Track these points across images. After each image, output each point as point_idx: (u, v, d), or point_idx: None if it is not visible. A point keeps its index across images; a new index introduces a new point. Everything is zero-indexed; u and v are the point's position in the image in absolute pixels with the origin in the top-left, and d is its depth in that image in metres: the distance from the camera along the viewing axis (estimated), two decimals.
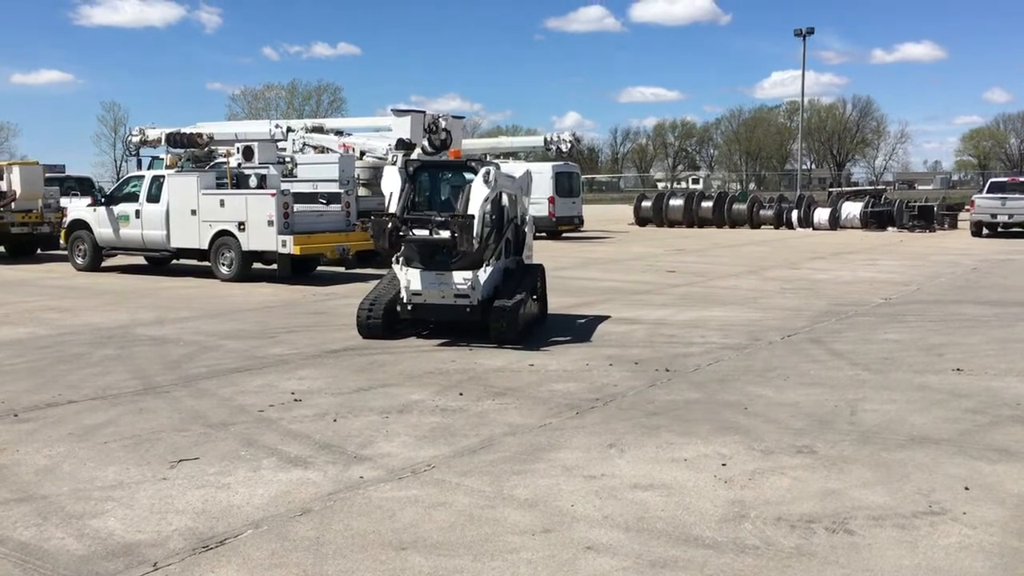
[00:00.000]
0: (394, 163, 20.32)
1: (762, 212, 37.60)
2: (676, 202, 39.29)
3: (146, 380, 8.65)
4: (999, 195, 30.20)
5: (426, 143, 21.73)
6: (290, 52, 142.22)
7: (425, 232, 10.15)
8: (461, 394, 7.98)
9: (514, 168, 12.71)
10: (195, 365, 9.35)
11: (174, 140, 25.72)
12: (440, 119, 22.68)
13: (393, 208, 10.47)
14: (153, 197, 18.31)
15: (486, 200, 10.23)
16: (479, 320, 10.37)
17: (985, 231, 30.33)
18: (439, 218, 10.15)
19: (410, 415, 7.29)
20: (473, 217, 9.94)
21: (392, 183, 10.68)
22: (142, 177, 19.26)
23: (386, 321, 10.62)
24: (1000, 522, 4.97)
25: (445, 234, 10.00)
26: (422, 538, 4.78)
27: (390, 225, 10.03)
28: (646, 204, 40.14)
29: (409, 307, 10.57)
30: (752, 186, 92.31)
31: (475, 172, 10.81)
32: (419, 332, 10.97)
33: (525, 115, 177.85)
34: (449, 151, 20.84)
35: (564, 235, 31.16)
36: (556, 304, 12.99)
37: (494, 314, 10.22)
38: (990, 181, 33.73)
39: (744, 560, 4.48)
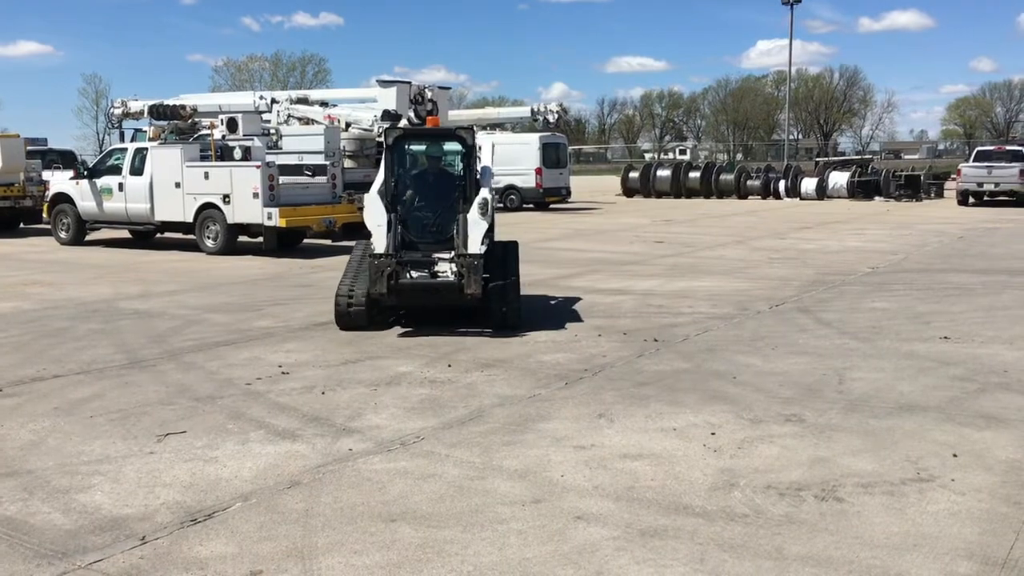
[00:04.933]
0: (379, 136, 20.25)
1: (749, 182, 37.57)
2: (663, 173, 39.21)
3: (132, 354, 8.59)
4: (985, 164, 30.29)
5: (412, 114, 21.63)
6: (271, 22, 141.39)
7: (424, 273, 9.43)
8: (449, 366, 7.96)
9: (484, 141, 11.78)
10: (181, 338, 9.29)
11: (157, 112, 25.49)
12: (426, 90, 22.59)
13: (382, 245, 9.28)
14: (136, 170, 18.13)
15: (484, 234, 9.41)
16: (476, 305, 9.44)
17: (971, 200, 30.41)
18: (444, 256, 9.42)
19: (398, 387, 7.27)
20: (480, 256, 9.17)
21: (377, 216, 9.46)
22: (125, 150, 19.08)
23: (369, 309, 9.60)
24: (988, 488, 4.99)
25: (443, 268, 9.34)
26: (411, 509, 4.77)
27: (389, 270, 9.08)
28: (633, 175, 40.05)
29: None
30: (739, 156, 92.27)
31: (464, 142, 9.97)
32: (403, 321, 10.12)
33: (511, 86, 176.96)
34: (427, 120, 20.72)
35: (551, 206, 31.08)
36: (544, 275, 12.97)
37: (494, 296, 9.36)
38: (976, 150, 33.83)
39: (734, 528, 4.49)
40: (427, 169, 10.40)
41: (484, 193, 9.63)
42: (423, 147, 10.53)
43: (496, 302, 9.39)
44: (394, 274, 9.12)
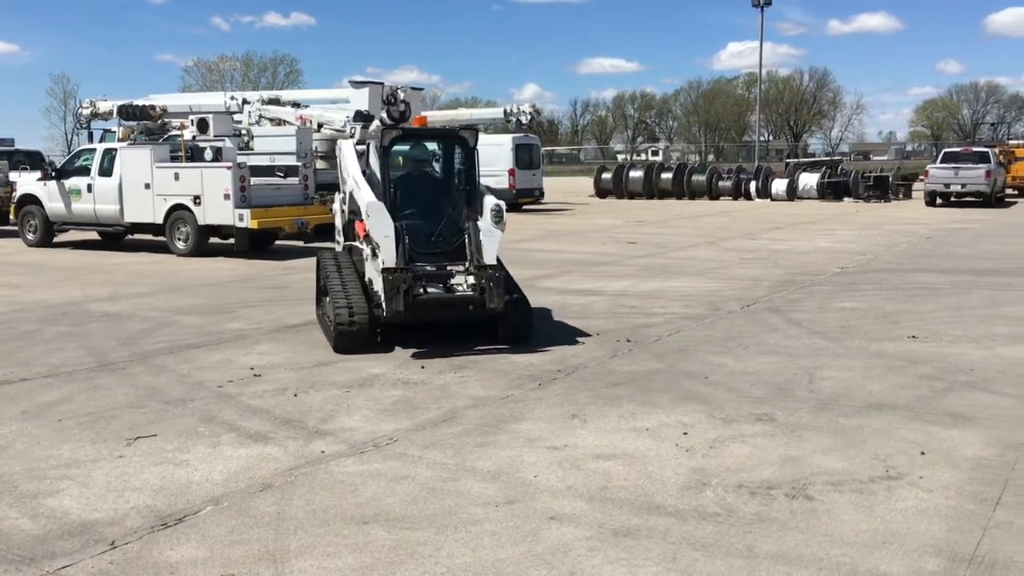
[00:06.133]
0: (352, 136, 20.18)
1: (721, 183, 37.80)
2: (636, 174, 39.36)
3: (101, 357, 8.50)
4: (952, 165, 30.66)
5: (385, 115, 21.54)
6: (242, 22, 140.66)
7: (440, 287, 8.71)
8: (423, 367, 7.94)
9: None
10: (151, 341, 9.20)
11: (126, 112, 25.23)
12: (399, 91, 22.48)
13: (391, 259, 8.49)
14: (105, 171, 17.94)
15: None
16: (490, 320, 8.81)
17: (939, 201, 30.78)
18: (459, 268, 8.77)
19: (371, 389, 7.24)
20: (501, 268, 8.66)
21: (384, 227, 8.60)
22: (94, 150, 18.86)
23: (373, 328, 8.76)
24: (956, 485, 5.06)
25: (458, 280, 8.70)
26: (385, 512, 4.75)
27: (406, 285, 8.30)
28: (606, 176, 40.19)
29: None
30: (711, 157, 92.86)
31: (466, 144, 9.34)
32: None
33: (484, 87, 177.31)
34: (412, 120, 20.63)
35: (525, 207, 31.09)
36: (517, 276, 12.92)
37: (509, 309, 8.69)
38: (943, 151, 34.26)
39: (706, 527, 4.52)
40: (425, 173, 9.73)
41: (494, 199, 9.04)
42: (422, 149, 9.85)
43: (511, 317, 8.79)
44: (410, 289, 8.38)
